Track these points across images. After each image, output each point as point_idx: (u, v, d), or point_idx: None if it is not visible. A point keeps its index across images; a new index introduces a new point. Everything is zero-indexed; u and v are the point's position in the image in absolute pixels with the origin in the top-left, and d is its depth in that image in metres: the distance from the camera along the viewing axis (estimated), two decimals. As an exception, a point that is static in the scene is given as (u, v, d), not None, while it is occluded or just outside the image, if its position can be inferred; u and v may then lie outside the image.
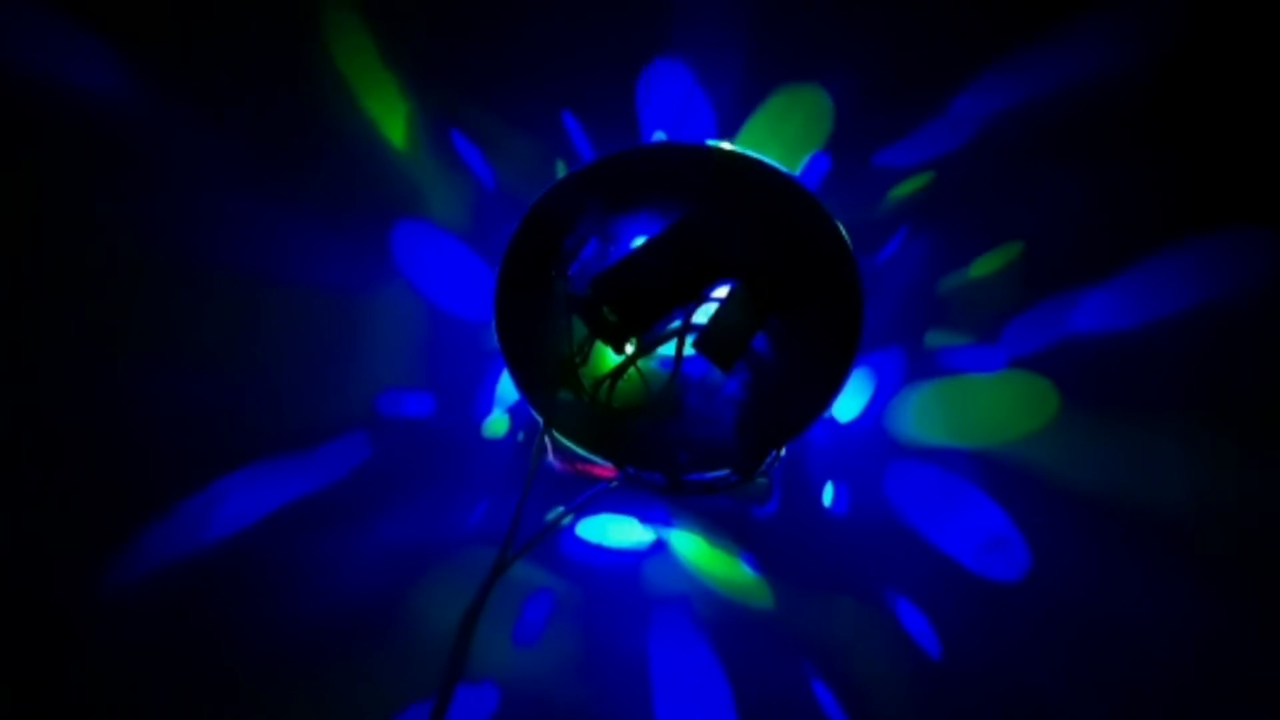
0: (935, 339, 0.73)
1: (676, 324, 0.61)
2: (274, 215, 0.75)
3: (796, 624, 0.68)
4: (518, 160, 0.78)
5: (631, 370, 0.62)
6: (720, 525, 0.70)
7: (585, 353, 0.62)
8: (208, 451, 0.70)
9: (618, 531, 0.70)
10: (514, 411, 0.73)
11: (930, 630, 0.68)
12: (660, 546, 0.70)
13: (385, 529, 0.70)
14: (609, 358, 0.63)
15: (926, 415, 0.72)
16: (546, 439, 0.59)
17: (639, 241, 0.63)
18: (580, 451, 0.58)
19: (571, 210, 0.62)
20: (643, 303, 0.59)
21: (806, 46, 0.79)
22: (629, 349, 0.61)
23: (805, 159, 0.76)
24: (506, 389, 0.73)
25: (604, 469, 0.64)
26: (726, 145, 0.61)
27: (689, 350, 0.60)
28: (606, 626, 0.68)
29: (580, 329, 0.62)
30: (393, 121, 0.78)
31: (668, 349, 0.63)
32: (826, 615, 0.68)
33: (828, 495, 0.71)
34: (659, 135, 0.78)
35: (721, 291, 0.61)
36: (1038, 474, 0.70)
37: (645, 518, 0.70)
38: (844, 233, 0.60)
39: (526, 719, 0.66)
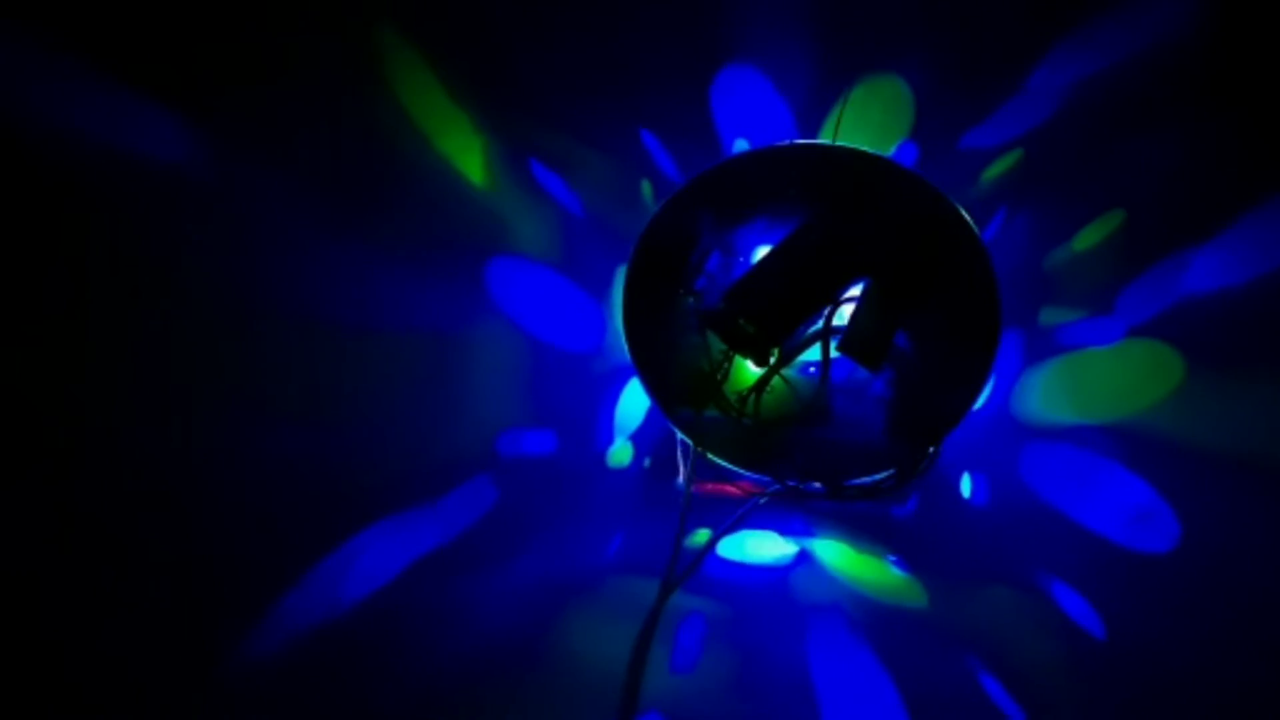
0: (1050, 317, 0.72)
1: (815, 329, 0.60)
2: (366, 267, 0.74)
3: (953, 619, 0.67)
4: (601, 184, 0.77)
5: (774, 381, 0.61)
6: (862, 529, 0.69)
7: (725, 368, 0.61)
8: (334, 512, 0.68)
9: (758, 547, 0.69)
10: (636, 438, 0.72)
11: (1089, 610, 0.66)
12: (804, 558, 0.69)
13: (523, 569, 0.68)
14: (746, 371, 0.62)
15: (1052, 394, 0.71)
16: (688, 460, 0.58)
17: (762, 250, 0.62)
18: (736, 469, 0.57)
19: (690, 225, 0.61)
20: (779, 311, 0.58)
21: (876, 37, 0.78)
22: (771, 359, 0.60)
23: (892, 150, 0.76)
24: (625, 416, 0.72)
25: (744, 485, 0.63)
26: (844, 144, 0.60)
27: (833, 353, 0.60)
28: (762, 643, 0.67)
29: (716, 344, 0.61)
30: (469, 159, 0.77)
31: (805, 355, 0.62)
32: (982, 606, 0.67)
33: (965, 486, 0.70)
34: (740, 144, 0.77)
35: (854, 292, 0.61)
36: (1174, 440, 0.69)
37: (785, 530, 0.69)
38: (968, 218, 0.60)
39: (696, 747, 0.65)
